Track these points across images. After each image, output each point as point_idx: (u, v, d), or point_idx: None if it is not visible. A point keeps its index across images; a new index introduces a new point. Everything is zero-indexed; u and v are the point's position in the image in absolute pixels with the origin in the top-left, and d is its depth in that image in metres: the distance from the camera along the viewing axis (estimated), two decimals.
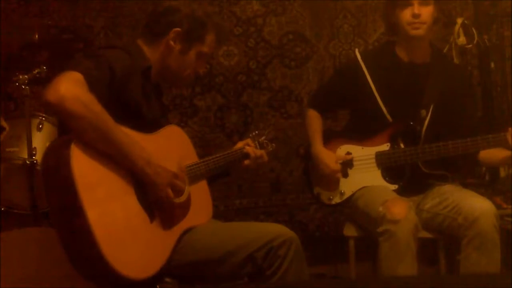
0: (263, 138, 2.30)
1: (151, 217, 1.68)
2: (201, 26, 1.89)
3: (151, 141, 1.76)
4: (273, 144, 2.34)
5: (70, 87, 1.52)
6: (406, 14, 2.28)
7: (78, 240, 1.49)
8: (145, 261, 1.62)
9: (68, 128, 1.56)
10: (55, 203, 1.54)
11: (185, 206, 1.81)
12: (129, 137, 1.62)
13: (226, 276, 1.80)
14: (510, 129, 2.14)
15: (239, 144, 2.20)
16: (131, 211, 1.62)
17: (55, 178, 1.52)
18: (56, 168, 1.51)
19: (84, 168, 1.52)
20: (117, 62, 1.70)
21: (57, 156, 1.52)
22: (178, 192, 1.71)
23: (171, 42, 1.87)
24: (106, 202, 1.54)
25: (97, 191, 1.53)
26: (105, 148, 1.57)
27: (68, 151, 1.50)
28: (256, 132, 2.34)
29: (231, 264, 1.77)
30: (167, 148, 1.84)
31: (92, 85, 1.58)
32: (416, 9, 2.25)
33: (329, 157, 2.40)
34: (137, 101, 1.77)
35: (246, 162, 2.14)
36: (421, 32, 2.28)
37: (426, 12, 2.27)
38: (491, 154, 2.27)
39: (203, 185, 1.99)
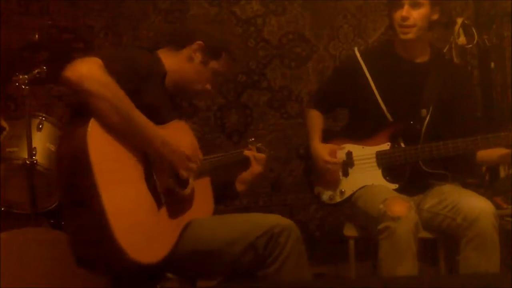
0: (260, 144, 2.36)
1: (159, 205, 1.71)
2: (219, 44, 2.00)
3: (163, 130, 1.80)
4: (268, 150, 2.39)
5: (89, 67, 1.57)
6: (397, 16, 2.26)
7: (90, 223, 1.52)
8: (152, 246, 1.65)
9: (83, 110, 1.58)
10: (67, 185, 1.57)
11: (189, 199, 1.84)
12: (145, 118, 1.67)
13: (227, 266, 1.80)
14: None
15: None
16: (141, 196, 1.66)
17: (71, 159, 1.54)
18: (72, 150, 1.54)
19: (100, 150, 1.55)
20: (140, 60, 1.77)
21: (74, 138, 1.55)
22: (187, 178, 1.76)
23: (193, 53, 1.95)
24: (119, 185, 1.57)
25: (112, 173, 1.56)
26: (122, 128, 1.60)
27: (85, 134, 1.53)
28: (253, 139, 2.41)
29: (232, 254, 1.78)
30: (176, 140, 1.86)
31: (112, 74, 1.61)
32: (405, 11, 2.22)
33: (323, 149, 2.41)
34: (152, 100, 1.80)
35: (255, 166, 2.21)
36: (410, 37, 2.26)
37: (417, 15, 2.23)
38: (490, 152, 2.27)
39: (206, 182, 2.03)
